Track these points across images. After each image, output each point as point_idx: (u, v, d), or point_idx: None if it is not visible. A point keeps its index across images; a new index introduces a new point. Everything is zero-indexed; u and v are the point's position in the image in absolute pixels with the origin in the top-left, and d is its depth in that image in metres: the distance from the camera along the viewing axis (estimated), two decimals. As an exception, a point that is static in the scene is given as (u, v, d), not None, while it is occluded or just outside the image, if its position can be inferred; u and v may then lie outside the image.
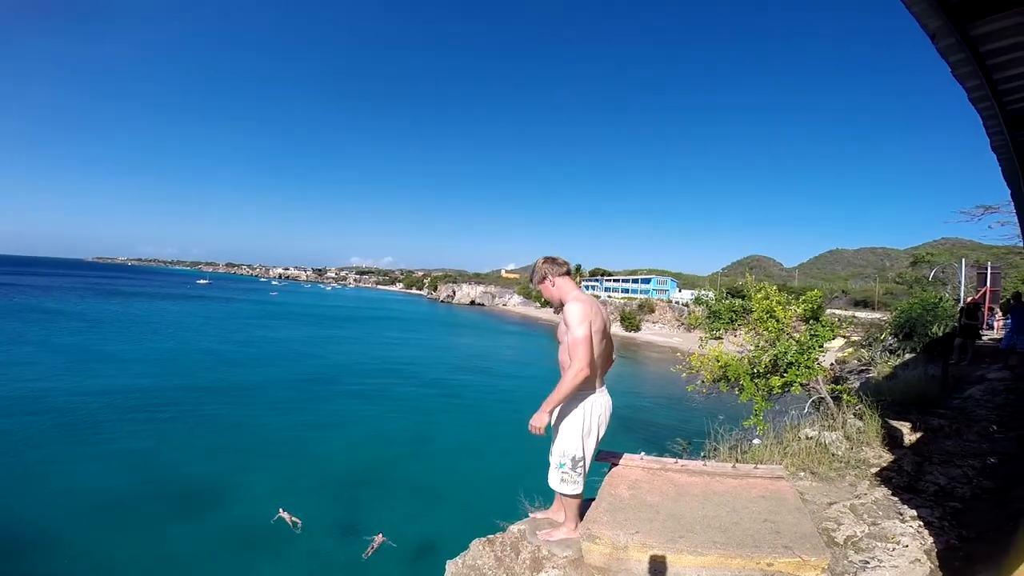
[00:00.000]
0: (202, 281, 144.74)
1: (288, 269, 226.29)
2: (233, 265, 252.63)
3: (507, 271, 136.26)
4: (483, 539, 5.65)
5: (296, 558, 18.97)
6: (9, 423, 30.99)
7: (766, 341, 6.24)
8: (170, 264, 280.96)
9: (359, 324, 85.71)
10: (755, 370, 6.12)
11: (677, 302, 69.64)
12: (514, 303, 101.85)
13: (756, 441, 5.32)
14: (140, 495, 22.47)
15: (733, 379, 6.29)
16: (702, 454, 5.17)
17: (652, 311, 68.78)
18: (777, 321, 6.13)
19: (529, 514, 4.63)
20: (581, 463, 2.79)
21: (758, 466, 3.63)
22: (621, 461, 3.86)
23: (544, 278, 2.85)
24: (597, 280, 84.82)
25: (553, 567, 3.45)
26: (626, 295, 76.06)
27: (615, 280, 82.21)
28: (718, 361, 6.55)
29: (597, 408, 2.79)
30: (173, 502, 21.83)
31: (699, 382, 6.79)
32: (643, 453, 3.97)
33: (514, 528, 5.19)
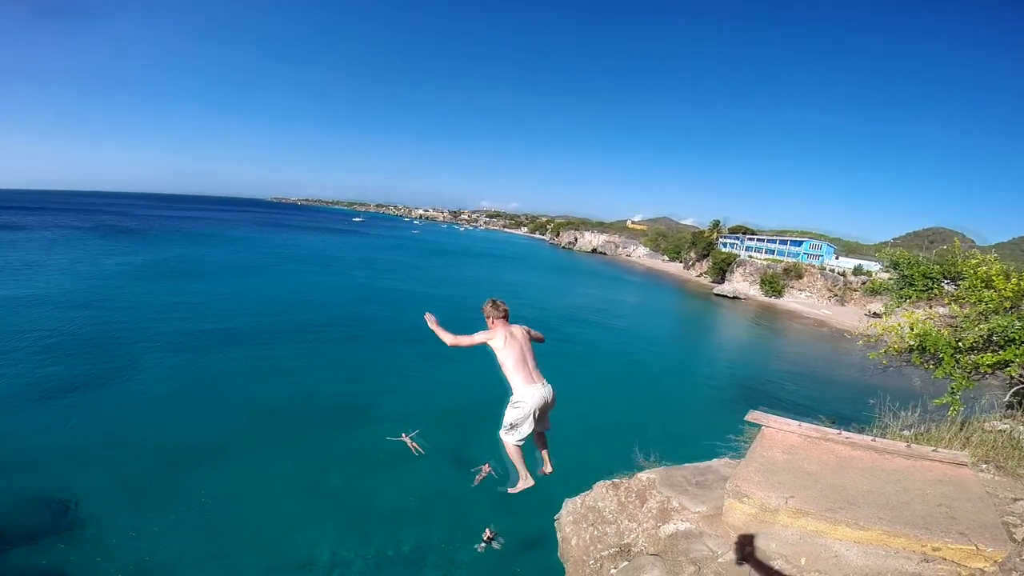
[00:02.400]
0: (357, 219, 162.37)
1: (428, 210, 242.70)
2: (382, 206, 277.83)
3: (633, 222, 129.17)
4: (607, 482, 5.62)
5: (410, 479, 20.14)
6: (182, 331, 38.34)
7: (979, 313, 5.34)
8: (330, 204, 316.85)
9: (486, 263, 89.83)
10: (959, 344, 5.28)
11: (832, 269, 61.32)
12: (639, 254, 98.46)
13: (906, 432, 4.78)
14: (289, 407, 26.42)
15: (931, 351, 5.48)
16: (874, 430, 4.78)
17: (800, 277, 61.57)
18: (996, 292, 5.19)
19: (642, 466, 4.75)
20: (516, 428, 3.96)
21: (937, 449, 3.30)
22: (774, 425, 3.76)
23: (487, 316, 4.10)
24: (737, 238, 77.16)
25: (683, 520, 3.53)
26: (771, 256, 68.77)
27: (759, 239, 74.10)
28: (912, 329, 5.64)
29: (529, 398, 3.86)
30: (314, 416, 25.33)
31: (882, 351, 6.01)
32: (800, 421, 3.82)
33: (642, 476, 5.20)
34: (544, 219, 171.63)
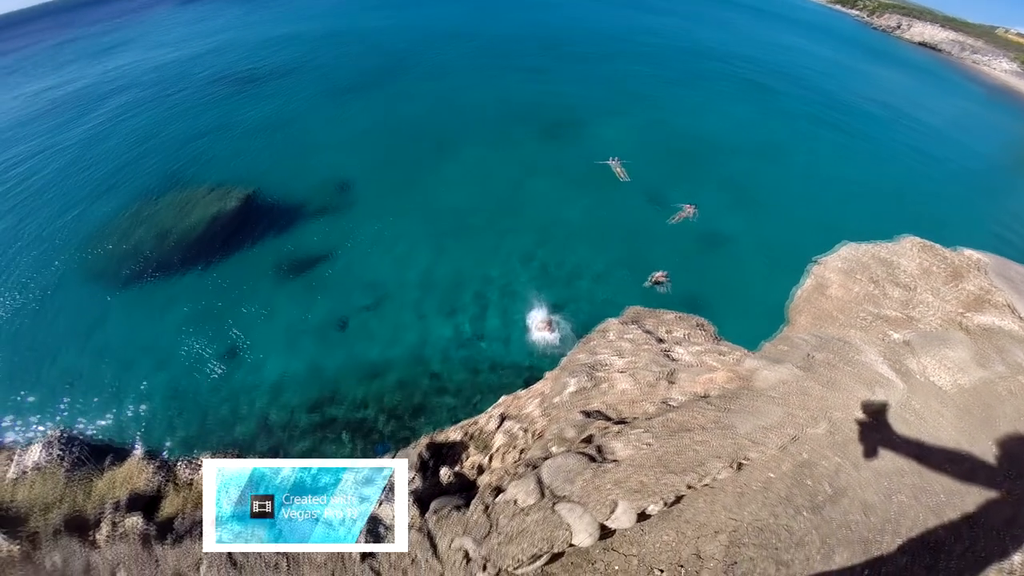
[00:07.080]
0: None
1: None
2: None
3: (1013, 32, 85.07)
4: (920, 241, 4.51)
5: (606, 202, 20.00)
6: (440, 35, 39.16)
7: None
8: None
9: (751, 17, 72.45)
10: None
11: None
12: (999, 68, 69.03)
13: None
14: (522, 112, 27.11)
15: None
16: None
17: None
18: None
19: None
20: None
21: None
22: None
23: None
24: None
25: (1006, 319, 3.13)
26: None
27: None
28: None
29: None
30: (540, 128, 25.97)
31: None
32: None
33: (969, 253, 4.27)
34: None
